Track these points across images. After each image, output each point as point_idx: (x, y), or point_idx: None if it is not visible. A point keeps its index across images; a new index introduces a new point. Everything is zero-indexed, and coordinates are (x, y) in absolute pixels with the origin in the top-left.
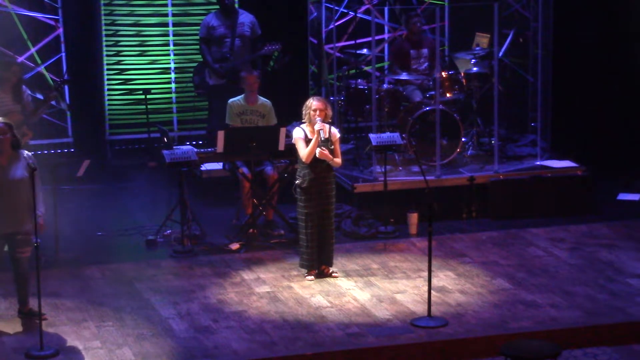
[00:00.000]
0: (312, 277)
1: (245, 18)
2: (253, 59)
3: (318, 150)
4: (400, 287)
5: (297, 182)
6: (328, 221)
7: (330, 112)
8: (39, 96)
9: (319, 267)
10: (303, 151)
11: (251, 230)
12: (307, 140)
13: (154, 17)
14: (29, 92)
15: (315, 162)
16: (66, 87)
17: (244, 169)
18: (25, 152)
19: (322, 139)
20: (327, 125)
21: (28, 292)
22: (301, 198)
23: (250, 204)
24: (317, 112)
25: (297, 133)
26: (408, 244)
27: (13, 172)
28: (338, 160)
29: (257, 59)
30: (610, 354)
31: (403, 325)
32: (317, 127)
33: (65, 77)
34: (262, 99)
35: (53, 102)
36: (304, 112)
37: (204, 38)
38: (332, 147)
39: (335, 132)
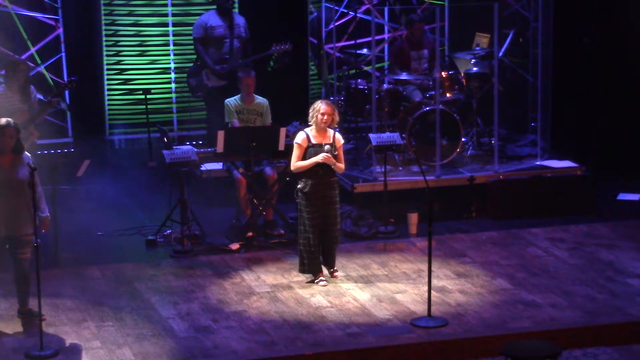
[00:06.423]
0: (324, 280)
1: (239, 19)
2: (253, 60)
3: (322, 155)
4: (400, 287)
5: (299, 186)
6: (333, 227)
7: (337, 118)
8: (41, 97)
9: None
10: (295, 160)
11: (250, 233)
12: (309, 146)
13: (154, 17)
14: (37, 92)
15: (317, 167)
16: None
17: (235, 172)
18: (25, 154)
19: (326, 148)
20: (331, 131)
21: (28, 292)
22: (303, 202)
23: (248, 206)
24: (325, 117)
25: (298, 138)
26: (408, 244)
27: (15, 173)
28: (341, 165)
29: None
30: (610, 354)
31: (403, 325)
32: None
33: (73, 77)
34: (258, 98)
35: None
36: (310, 114)
37: (200, 39)
38: (336, 152)
39: (340, 138)
